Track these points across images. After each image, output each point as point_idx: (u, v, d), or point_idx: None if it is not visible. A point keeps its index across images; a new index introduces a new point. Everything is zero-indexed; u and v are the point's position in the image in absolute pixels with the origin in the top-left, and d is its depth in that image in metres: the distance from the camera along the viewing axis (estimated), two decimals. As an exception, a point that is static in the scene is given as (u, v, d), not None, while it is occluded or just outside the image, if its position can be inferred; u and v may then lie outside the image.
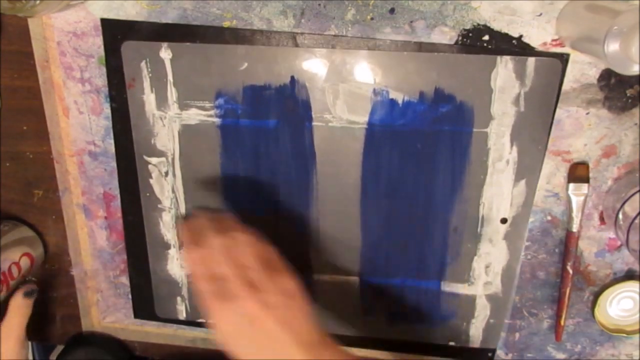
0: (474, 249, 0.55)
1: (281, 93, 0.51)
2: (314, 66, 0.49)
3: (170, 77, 0.51)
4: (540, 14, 0.46)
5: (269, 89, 0.51)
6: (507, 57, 0.47)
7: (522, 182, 0.52)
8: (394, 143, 0.52)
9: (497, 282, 0.57)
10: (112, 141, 0.55)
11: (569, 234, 0.53)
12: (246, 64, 0.50)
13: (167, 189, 0.56)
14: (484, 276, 0.57)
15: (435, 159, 0.52)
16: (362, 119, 0.51)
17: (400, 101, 0.50)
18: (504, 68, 0.48)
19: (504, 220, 0.54)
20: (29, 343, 0.62)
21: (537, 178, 0.52)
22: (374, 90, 0.50)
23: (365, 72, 0.49)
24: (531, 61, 0.47)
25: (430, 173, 0.53)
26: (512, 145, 0.51)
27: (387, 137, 0.52)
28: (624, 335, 0.57)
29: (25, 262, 0.58)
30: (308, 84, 0.50)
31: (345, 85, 0.50)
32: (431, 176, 0.53)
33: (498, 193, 0.53)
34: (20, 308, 0.53)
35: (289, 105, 0.51)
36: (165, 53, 0.50)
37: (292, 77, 0.50)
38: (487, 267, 0.56)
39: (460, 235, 0.55)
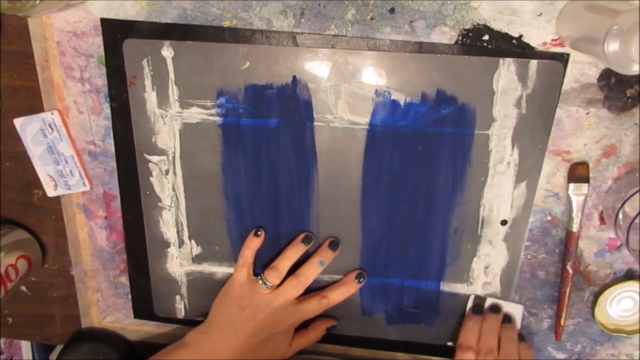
0: (473, 250, 0.55)
1: (283, 93, 0.51)
2: (316, 66, 0.49)
3: (171, 76, 0.51)
4: (540, 14, 0.46)
5: (270, 88, 0.51)
6: (510, 60, 0.47)
7: (523, 184, 0.52)
8: (395, 144, 0.52)
9: (496, 282, 0.57)
10: (112, 141, 0.55)
11: (569, 233, 0.53)
12: (248, 63, 0.50)
13: (167, 187, 0.56)
14: (483, 277, 0.57)
15: (436, 160, 0.52)
16: (364, 119, 0.51)
17: (402, 102, 0.50)
18: (506, 70, 0.48)
19: (504, 222, 0.54)
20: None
21: (537, 180, 0.52)
22: (376, 91, 0.50)
23: (367, 73, 0.49)
24: (533, 64, 0.47)
25: (431, 174, 0.53)
26: (513, 148, 0.51)
27: (389, 138, 0.51)
28: (624, 335, 0.57)
29: (22, 264, 0.58)
30: (310, 84, 0.50)
31: (347, 85, 0.50)
32: (432, 177, 0.53)
33: (498, 195, 0.53)
34: None
35: (291, 105, 0.51)
36: (167, 51, 0.50)
37: (294, 77, 0.50)
38: (486, 267, 0.56)
39: (460, 236, 0.55)
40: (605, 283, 0.56)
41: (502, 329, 0.55)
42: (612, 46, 0.36)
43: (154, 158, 0.55)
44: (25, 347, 0.82)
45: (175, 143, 0.54)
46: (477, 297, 0.57)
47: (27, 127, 0.54)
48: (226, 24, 0.49)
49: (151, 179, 0.56)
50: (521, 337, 0.56)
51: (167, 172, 0.55)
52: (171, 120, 0.53)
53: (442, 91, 0.49)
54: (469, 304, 0.57)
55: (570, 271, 0.54)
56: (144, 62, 0.51)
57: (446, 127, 0.50)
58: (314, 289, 0.57)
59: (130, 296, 0.62)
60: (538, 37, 0.46)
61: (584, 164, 0.51)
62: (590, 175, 0.51)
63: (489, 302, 0.57)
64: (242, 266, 0.56)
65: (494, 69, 0.48)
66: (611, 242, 0.54)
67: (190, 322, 0.62)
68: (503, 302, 0.57)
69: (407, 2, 0.47)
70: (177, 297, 0.61)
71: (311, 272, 0.55)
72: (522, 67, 0.47)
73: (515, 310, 0.57)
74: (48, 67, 0.52)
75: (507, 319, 0.56)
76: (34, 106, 0.54)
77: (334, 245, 0.55)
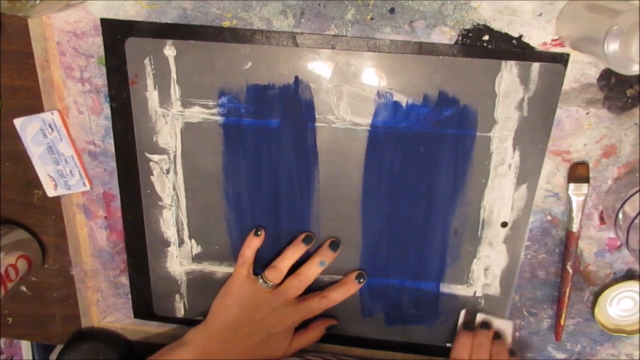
0: (473, 252, 0.55)
1: (285, 93, 0.51)
2: (318, 67, 0.49)
3: (173, 75, 0.51)
4: (540, 14, 0.46)
5: (272, 88, 0.51)
6: (512, 62, 0.47)
7: (524, 187, 0.52)
8: (396, 145, 0.52)
9: (495, 284, 0.57)
10: (112, 141, 0.55)
11: (569, 233, 0.53)
12: (250, 63, 0.50)
13: (168, 186, 0.56)
14: (482, 278, 0.57)
15: (437, 162, 0.52)
16: (366, 120, 0.51)
17: (404, 104, 0.50)
18: (508, 73, 0.48)
19: (504, 224, 0.54)
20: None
21: (537, 181, 0.52)
22: (378, 92, 0.50)
23: (369, 74, 0.49)
24: (535, 66, 0.47)
25: (432, 176, 0.53)
26: (514, 150, 0.51)
27: (390, 139, 0.51)
28: (624, 335, 0.57)
29: (22, 264, 0.58)
30: (312, 84, 0.50)
31: (349, 86, 0.50)
32: (433, 179, 0.53)
33: (499, 197, 0.53)
34: None
35: (292, 105, 0.51)
36: (169, 50, 0.50)
37: (296, 78, 0.50)
38: (486, 269, 0.56)
39: (461, 237, 0.55)
40: (605, 283, 0.56)
41: (493, 345, 0.55)
42: (612, 46, 0.36)
43: (155, 157, 0.55)
44: (25, 347, 0.82)
45: (176, 142, 0.54)
46: (467, 313, 0.57)
47: (27, 127, 0.54)
48: (226, 24, 0.49)
49: (152, 178, 0.56)
50: (512, 353, 0.56)
51: (168, 171, 0.55)
52: (172, 120, 0.53)
53: (444, 93, 0.49)
54: (460, 320, 0.58)
55: (570, 271, 0.54)
56: (146, 60, 0.51)
57: (448, 128, 0.50)
58: (314, 289, 0.57)
59: (130, 296, 0.62)
60: (538, 37, 0.46)
61: (584, 164, 0.51)
62: (590, 175, 0.51)
63: (479, 317, 0.57)
64: (242, 265, 0.56)
65: (496, 72, 0.48)
66: (611, 242, 0.54)
67: (190, 322, 0.62)
68: (494, 318, 0.57)
69: (407, 2, 0.47)
70: (177, 296, 0.61)
71: (311, 272, 0.55)
72: (524, 69, 0.47)
73: (505, 326, 0.57)
74: (48, 67, 0.52)
75: (497, 335, 0.56)
76: (34, 106, 0.54)
77: (334, 245, 0.55)
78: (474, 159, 0.52)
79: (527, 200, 0.53)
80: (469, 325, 0.57)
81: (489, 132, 0.50)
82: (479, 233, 0.55)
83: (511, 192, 0.52)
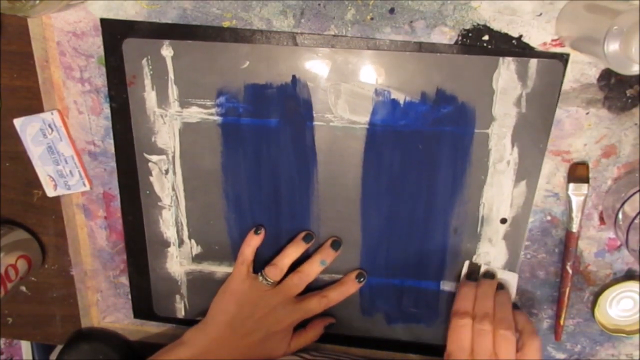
0: (473, 249, 0.55)
1: (283, 92, 0.51)
2: (316, 66, 0.49)
3: (171, 75, 0.51)
4: (540, 14, 0.46)
5: (270, 87, 0.51)
6: (510, 59, 0.47)
7: (523, 183, 0.52)
8: (395, 143, 0.52)
9: (496, 281, 0.57)
10: (111, 141, 0.55)
11: (568, 233, 0.53)
12: (248, 63, 0.50)
13: (167, 186, 0.56)
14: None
15: (436, 159, 0.52)
16: (364, 119, 0.51)
17: (401, 101, 0.50)
18: (506, 69, 0.48)
19: (503, 221, 0.54)
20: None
21: (537, 179, 0.52)
22: (376, 90, 0.50)
23: (367, 72, 0.49)
24: (533, 62, 0.47)
25: (431, 174, 0.53)
26: (512, 147, 0.51)
27: (389, 137, 0.52)
28: (624, 335, 0.57)
29: (22, 264, 0.58)
30: (310, 83, 0.50)
31: (347, 85, 0.50)
32: (432, 177, 0.53)
33: (498, 194, 0.53)
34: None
35: (291, 104, 0.51)
36: (167, 51, 0.50)
37: (294, 76, 0.50)
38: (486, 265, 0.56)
39: (460, 235, 0.55)
40: (605, 283, 0.56)
41: (497, 295, 0.53)
42: (612, 46, 0.36)
43: (154, 157, 0.55)
44: (25, 347, 0.82)
45: (175, 142, 0.54)
46: (471, 264, 0.57)
47: (27, 127, 0.54)
48: (226, 24, 0.49)
49: (151, 178, 0.56)
50: (516, 307, 0.55)
51: (166, 171, 0.55)
52: (171, 120, 0.53)
53: (442, 90, 0.49)
54: (464, 271, 0.57)
55: (570, 271, 0.54)
56: (144, 61, 0.51)
57: (446, 126, 0.50)
58: (314, 289, 0.57)
59: (130, 296, 0.62)
60: (538, 37, 0.46)
61: (583, 164, 0.51)
62: (590, 175, 0.51)
63: (483, 268, 0.56)
64: (241, 263, 0.56)
65: (494, 68, 0.48)
66: (611, 242, 0.54)
67: (190, 322, 0.62)
68: (498, 269, 0.56)
69: (407, 2, 0.47)
70: (177, 296, 0.61)
71: (312, 270, 0.55)
72: (522, 66, 0.47)
73: (510, 278, 0.56)
74: (48, 67, 0.52)
75: (501, 286, 0.55)
76: (34, 106, 0.54)
77: (336, 244, 0.55)
78: (472, 156, 0.52)
79: (527, 197, 0.53)
80: (472, 276, 0.56)
81: (487, 129, 0.50)
82: (478, 230, 0.55)
83: (510, 189, 0.52)
